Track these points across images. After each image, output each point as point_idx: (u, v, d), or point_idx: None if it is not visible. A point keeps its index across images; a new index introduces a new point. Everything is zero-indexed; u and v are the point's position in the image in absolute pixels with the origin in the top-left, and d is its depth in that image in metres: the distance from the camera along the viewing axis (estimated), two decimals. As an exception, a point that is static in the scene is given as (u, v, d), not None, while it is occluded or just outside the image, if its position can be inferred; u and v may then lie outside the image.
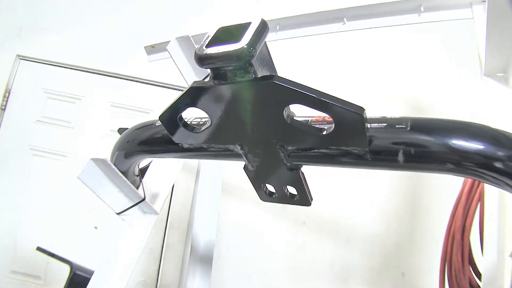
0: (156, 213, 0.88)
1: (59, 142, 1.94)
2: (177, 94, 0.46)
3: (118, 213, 0.84)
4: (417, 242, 1.84)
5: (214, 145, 0.53)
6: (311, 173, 0.59)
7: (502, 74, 0.73)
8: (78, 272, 0.94)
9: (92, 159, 0.76)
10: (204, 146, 0.55)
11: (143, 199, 0.84)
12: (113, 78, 1.97)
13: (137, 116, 1.87)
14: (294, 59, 1.87)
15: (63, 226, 1.82)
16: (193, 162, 1.60)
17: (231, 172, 1.54)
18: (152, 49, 1.16)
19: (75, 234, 1.79)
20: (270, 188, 0.58)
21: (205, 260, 1.12)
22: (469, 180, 1.10)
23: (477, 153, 0.40)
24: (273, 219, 1.87)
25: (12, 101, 1.99)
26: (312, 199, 0.58)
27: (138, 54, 1.38)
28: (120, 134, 0.85)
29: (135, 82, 1.96)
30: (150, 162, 0.90)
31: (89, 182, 0.77)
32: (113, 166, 0.76)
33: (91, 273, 0.85)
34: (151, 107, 1.90)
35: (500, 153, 0.39)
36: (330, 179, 1.82)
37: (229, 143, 0.51)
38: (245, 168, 0.55)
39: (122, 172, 0.77)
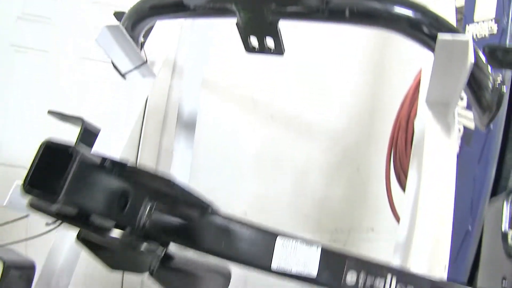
0: (154, 76, 1.02)
1: (40, 38, 2.03)
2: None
3: (123, 74, 0.97)
4: (373, 141, 2.05)
5: (216, 4, 0.74)
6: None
7: None
8: (88, 127, 1.05)
9: (107, 26, 0.87)
10: (208, 5, 0.75)
11: (145, 62, 0.97)
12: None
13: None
14: None
15: (47, 121, 1.93)
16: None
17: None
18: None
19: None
20: (254, 42, 0.80)
21: (189, 126, 1.33)
22: (419, 76, 1.35)
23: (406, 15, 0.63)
24: (246, 114, 2.07)
25: (-10, -1, 2.04)
26: (284, 51, 0.80)
27: None
28: (117, 18, 1.01)
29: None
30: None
31: (103, 45, 0.89)
32: (124, 32, 0.89)
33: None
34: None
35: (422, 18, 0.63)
36: (299, 71, 2.03)
37: (227, 2, 0.72)
38: (237, 24, 0.76)
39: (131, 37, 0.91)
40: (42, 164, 0.35)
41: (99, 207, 0.35)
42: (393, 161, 1.46)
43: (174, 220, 0.42)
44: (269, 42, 0.79)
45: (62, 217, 0.37)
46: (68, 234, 0.87)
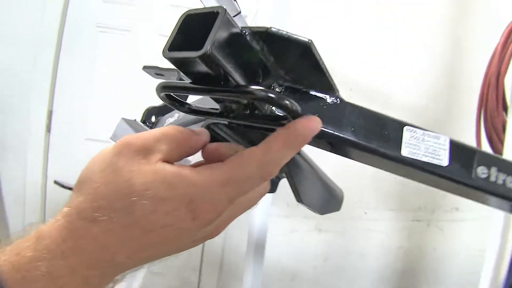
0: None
1: (123, 18, 2.14)
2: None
3: None
4: (456, 113, 1.99)
5: None
6: None
7: None
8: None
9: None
10: None
11: (239, 12, 0.98)
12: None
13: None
14: None
15: (130, 96, 2.01)
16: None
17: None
18: None
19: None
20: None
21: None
22: (505, 31, 1.28)
23: None
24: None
25: (78, -18, 2.17)
26: None
27: None
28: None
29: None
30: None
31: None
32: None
33: None
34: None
35: None
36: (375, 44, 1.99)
37: None
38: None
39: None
40: (182, 32, 0.35)
41: (240, 71, 0.35)
42: (484, 122, 1.38)
43: (309, 97, 0.42)
44: None
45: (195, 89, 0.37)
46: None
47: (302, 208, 0.51)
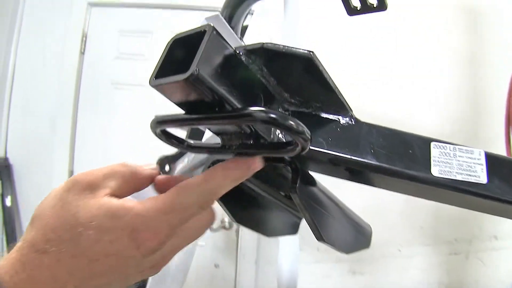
0: None
1: (136, 73, 2.16)
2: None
3: None
4: (482, 138, 1.92)
5: None
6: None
7: None
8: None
9: (206, 18, 0.78)
10: None
11: None
12: (180, 10, 2.13)
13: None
14: None
15: (147, 149, 2.03)
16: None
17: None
18: None
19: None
20: (355, 1, 0.76)
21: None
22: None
23: None
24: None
25: (90, 44, 2.22)
26: (387, 5, 0.75)
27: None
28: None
29: (201, 11, 2.09)
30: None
31: None
32: (223, 21, 0.80)
33: None
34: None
35: None
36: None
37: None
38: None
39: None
40: (170, 59, 0.32)
41: (237, 96, 0.31)
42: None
43: (319, 121, 0.37)
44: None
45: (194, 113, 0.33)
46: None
47: (334, 252, 0.46)
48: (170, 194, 0.34)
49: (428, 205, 1.94)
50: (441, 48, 1.99)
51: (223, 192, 0.36)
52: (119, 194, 0.35)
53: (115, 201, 0.33)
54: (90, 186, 0.34)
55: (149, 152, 1.86)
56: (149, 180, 0.38)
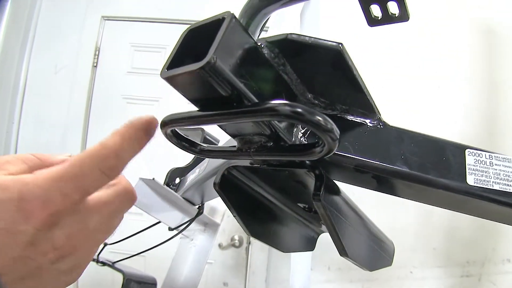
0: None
1: (149, 89, 2.16)
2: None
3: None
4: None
5: None
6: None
7: None
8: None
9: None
10: None
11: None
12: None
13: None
14: None
15: (161, 165, 2.01)
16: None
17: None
18: None
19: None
20: (376, 11, 0.73)
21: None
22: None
23: None
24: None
25: (102, 58, 2.23)
26: (409, 15, 0.72)
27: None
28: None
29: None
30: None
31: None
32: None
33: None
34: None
35: None
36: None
37: None
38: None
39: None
40: (184, 50, 0.29)
41: (256, 92, 0.29)
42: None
43: (345, 124, 0.34)
44: (392, 7, 0.72)
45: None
46: (193, 241, 0.82)
47: (345, 272, 0.42)
48: (68, 163, 0.31)
49: (442, 227, 1.90)
50: (458, 64, 1.97)
51: (125, 155, 0.33)
52: None
53: (8, 176, 0.30)
54: None
55: (159, 166, 1.85)
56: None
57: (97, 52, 2.23)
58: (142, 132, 0.34)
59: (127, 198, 0.36)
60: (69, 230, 0.31)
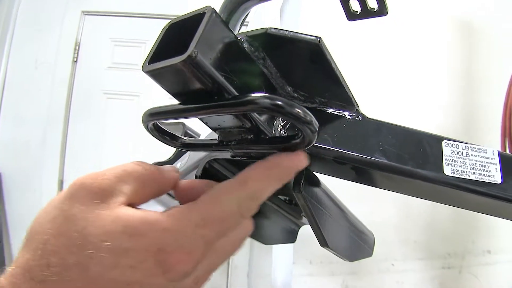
0: None
1: (130, 83, 2.14)
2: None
3: None
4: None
5: None
6: None
7: None
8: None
9: None
10: None
11: None
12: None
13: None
14: None
15: (140, 158, 2.02)
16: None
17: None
18: None
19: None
20: (355, 5, 0.74)
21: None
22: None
23: None
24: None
25: (83, 53, 2.20)
26: (388, 10, 0.73)
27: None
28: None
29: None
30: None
31: None
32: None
33: None
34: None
35: None
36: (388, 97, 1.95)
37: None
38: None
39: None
40: (165, 45, 0.29)
41: (237, 87, 0.29)
42: (510, 150, 1.31)
43: (324, 117, 0.35)
44: (371, 2, 0.73)
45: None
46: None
47: (327, 265, 0.43)
48: (205, 203, 0.27)
49: (422, 219, 1.93)
50: (436, 60, 2.00)
51: (266, 196, 0.29)
52: (134, 201, 0.28)
53: (133, 213, 0.26)
54: (101, 192, 0.26)
55: (141, 160, 1.85)
56: (172, 183, 0.31)
57: (77, 47, 2.20)
58: (291, 172, 0.31)
59: (250, 231, 0.32)
60: (199, 272, 0.28)
